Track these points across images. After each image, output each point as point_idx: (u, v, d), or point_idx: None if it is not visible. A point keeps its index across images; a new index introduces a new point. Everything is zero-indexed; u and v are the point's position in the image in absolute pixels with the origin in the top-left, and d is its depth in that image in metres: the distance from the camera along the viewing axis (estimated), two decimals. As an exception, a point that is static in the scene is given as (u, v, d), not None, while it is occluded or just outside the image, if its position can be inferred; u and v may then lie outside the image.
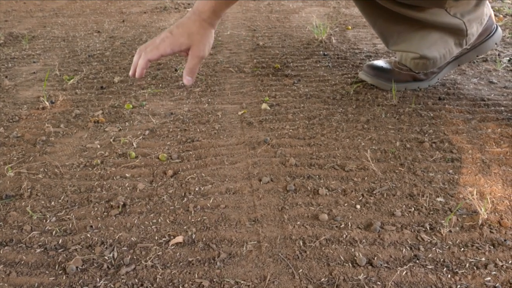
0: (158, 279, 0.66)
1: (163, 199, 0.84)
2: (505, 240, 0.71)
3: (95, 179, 0.91)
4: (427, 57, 1.20)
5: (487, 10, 1.22)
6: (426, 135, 1.03)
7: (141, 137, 1.07)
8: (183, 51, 1.00)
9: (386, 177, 0.88)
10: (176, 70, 1.50)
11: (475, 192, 0.82)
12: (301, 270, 0.67)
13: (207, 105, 1.24)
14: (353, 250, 0.70)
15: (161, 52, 0.97)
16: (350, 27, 1.98)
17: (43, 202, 0.84)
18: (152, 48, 0.98)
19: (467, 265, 0.67)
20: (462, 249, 0.70)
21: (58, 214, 0.81)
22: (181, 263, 0.69)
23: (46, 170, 0.94)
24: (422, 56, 1.20)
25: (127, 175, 0.92)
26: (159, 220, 0.78)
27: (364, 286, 0.63)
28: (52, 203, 0.84)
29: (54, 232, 0.76)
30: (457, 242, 0.71)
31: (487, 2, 1.20)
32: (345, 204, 0.81)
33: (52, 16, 2.40)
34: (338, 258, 0.69)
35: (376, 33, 1.28)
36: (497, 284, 0.63)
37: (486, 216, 0.75)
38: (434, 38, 1.18)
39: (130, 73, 1.00)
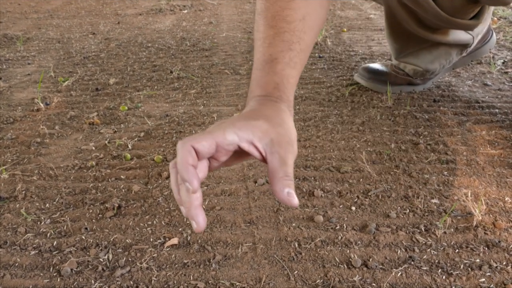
0: (153, 281, 0.66)
1: (158, 201, 0.84)
2: (499, 242, 0.71)
3: (90, 181, 0.91)
4: (428, 70, 1.22)
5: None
6: (421, 137, 1.03)
7: (136, 138, 1.07)
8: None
9: (381, 179, 0.88)
10: (171, 72, 1.50)
11: (469, 194, 0.82)
12: (296, 271, 0.67)
13: (202, 107, 1.24)
14: (348, 251, 0.70)
15: None
16: (345, 30, 1.99)
17: (37, 204, 0.84)
18: None
19: (462, 266, 0.67)
20: (457, 250, 0.70)
21: (53, 216, 0.81)
22: (176, 265, 0.69)
23: (40, 172, 0.94)
24: (424, 69, 1.22)
25: (122, 177, 0.92)
26: (154, 222, 0.78)
27: (359, 288, 0.63)
28: (47, 205, 0.84)
29: (48, 234, 0.76)
30: (452, 243, 0.71)
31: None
32: (340, 206, 0.81)
33: (47, 18, 2.39)
34: (333, 259, 0.69)
35: (389, 45, 1.28)
36: (492, 285, 0.63)
37: (480, 218, 0.76)
38: (440, 53, 1.20)
39: None
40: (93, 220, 0.79)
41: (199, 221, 0.53)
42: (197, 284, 0.65)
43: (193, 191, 0.51)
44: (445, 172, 0.90)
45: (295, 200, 0.53)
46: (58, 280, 0.66)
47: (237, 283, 0.65)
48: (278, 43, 0.67)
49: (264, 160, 0.56)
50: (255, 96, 0.65)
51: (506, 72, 1.41)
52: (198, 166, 0.54)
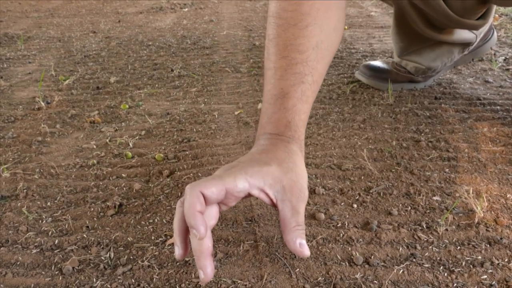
0: (154, 279, 0.66)
1: (160, 199, 0.84)
2: (501, 238, 0.71)
3: (91, 179, 0.91)
4: (430, 68, 1.22)
5: None
6: (423, 134, 1.03)
7: (137, 137, 1.07)
8: None
9: (383, 176, 0.88)
10: (172, 70, 1.50)
11: (471, 191, 0.82)
12: (298, 269, 0.67)
13: (203, 105, 1.24)
14: (350, 249, 0.70)
15: None
16: (346, 27, 1.98)
17: (39, 202, 0.84)
18: None
19: (464, 263, 0.67)
20: (459, 247, 0.70)
21: (54, 214, 0.81)
22: (177, 263, 0.69)
23: (42, 170, 0.94)
24: (426, 67, 1.22)
25: (123, 175, 0.92)
26: (156, 220, 0.78)
27: (361, 285, 0.63)
28: (48, 203, 0.84)
29: (50, 233, 0.76)
30: (454, 240, 0.71)
31: None
32: (342, 203, 0.81)
33: (48, 17, 2.39)
34: (335, 257, 0.69)
35: (394, 43, 1.28)
36: (493, 282, 0.63)
37: (482, 215, 0.76)
38: (442, 51, 1.21)
39: None
40: (94, 219, 0.79)
41: (208, 272, 0.52)
42: (198, 282, 0.65)
43: (200, 237, 0.51)
44: (447, 169, 0.90)
45: (306, 252, 0.54)
46: (60, 278, 0.66)
47: (239, 281, 0.65)
48: (290, 76, 0.65)
49: (274, 205, 0.56)
50: (266, 133, 0.64)
51: (508, 69, 1.41)
52: (207, 211, 0.53)
